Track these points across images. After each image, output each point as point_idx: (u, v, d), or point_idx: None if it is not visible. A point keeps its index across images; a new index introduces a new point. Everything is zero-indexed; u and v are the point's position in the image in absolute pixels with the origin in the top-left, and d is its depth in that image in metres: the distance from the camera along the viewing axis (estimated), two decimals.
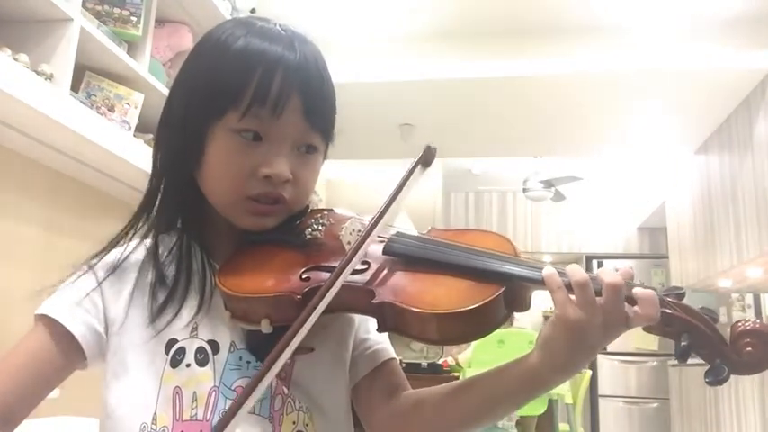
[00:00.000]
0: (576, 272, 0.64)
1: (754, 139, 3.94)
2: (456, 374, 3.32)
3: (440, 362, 3.28)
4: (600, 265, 7.13)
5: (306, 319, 0.64)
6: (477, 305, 0.65)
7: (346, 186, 5.86)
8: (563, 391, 3.50)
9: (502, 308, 0.68)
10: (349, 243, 0.75)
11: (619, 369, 6.75)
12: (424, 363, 3.17)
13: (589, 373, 4.45)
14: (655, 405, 6.57)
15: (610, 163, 6.24)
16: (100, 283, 0.77)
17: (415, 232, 0.77)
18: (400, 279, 0.71)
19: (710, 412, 4.44)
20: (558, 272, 0.66)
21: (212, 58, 0.77)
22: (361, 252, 0.69)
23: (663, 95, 4.03)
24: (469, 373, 3.24)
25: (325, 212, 0.83)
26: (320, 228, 0.79)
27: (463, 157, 6.15)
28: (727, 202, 4.34)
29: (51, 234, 2.07)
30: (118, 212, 2.56)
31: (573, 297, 0.64)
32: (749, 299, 5.81)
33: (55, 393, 0.75)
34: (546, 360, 0.67)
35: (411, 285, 0.70)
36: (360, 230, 0.74)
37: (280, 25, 0.79)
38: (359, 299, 0.70)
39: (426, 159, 0.74)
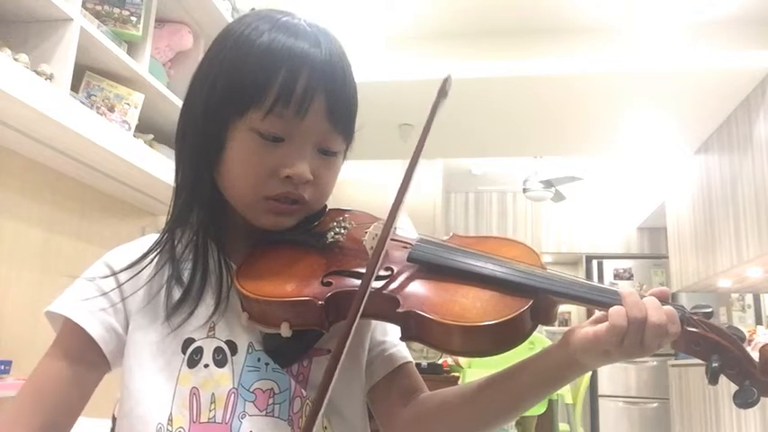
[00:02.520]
0: (637, 309, 0.63)
1: (754, 139, 3.94)
2: (456, 374, 3.32)
3: (440, 362, 3.27)
4: (600, 265, 7.14)
5: (348, 335, 0.61)
6: (505, 318, 0.64)
7: (346, 186, 5.86)
8: (563, 390, 3.49)
9: (529, 321, 0.66)
10: (372, 248, 0.73)
11: (619, 369, 6.75)
12: (424, 363, 3.16)
13: (589, 373, 4.45)
14: (655, 405, 6.57)
15: (610, 163, 6.24)
16: (116, 275, 0.75)
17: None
18: (425, 288, 0.69)
19: (710, 412, 4.43)
20: (610, 290, 0.65)
21: (235, 54, 0.74)
22: (385, 250, 0.66)
23: (663, 95, 4.02)
24: (469, 373, 3.23)
25: (346, 213, 0.81)
26: (342, 231, 0.77)
27: (463, 157, 6.16)
28: (727, 202, 4.33)
29: (51, 234, 2.07)
30: (118, 212, 2.58)
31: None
32: (749, 299, 5.82)
33: None
34: (571, 361, 0.68)
35: (437, 295, 0.68)
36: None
37: (305, 20, 0.77)
38: (384, 307, 0.67)
39: (445, 90, 0.72)
